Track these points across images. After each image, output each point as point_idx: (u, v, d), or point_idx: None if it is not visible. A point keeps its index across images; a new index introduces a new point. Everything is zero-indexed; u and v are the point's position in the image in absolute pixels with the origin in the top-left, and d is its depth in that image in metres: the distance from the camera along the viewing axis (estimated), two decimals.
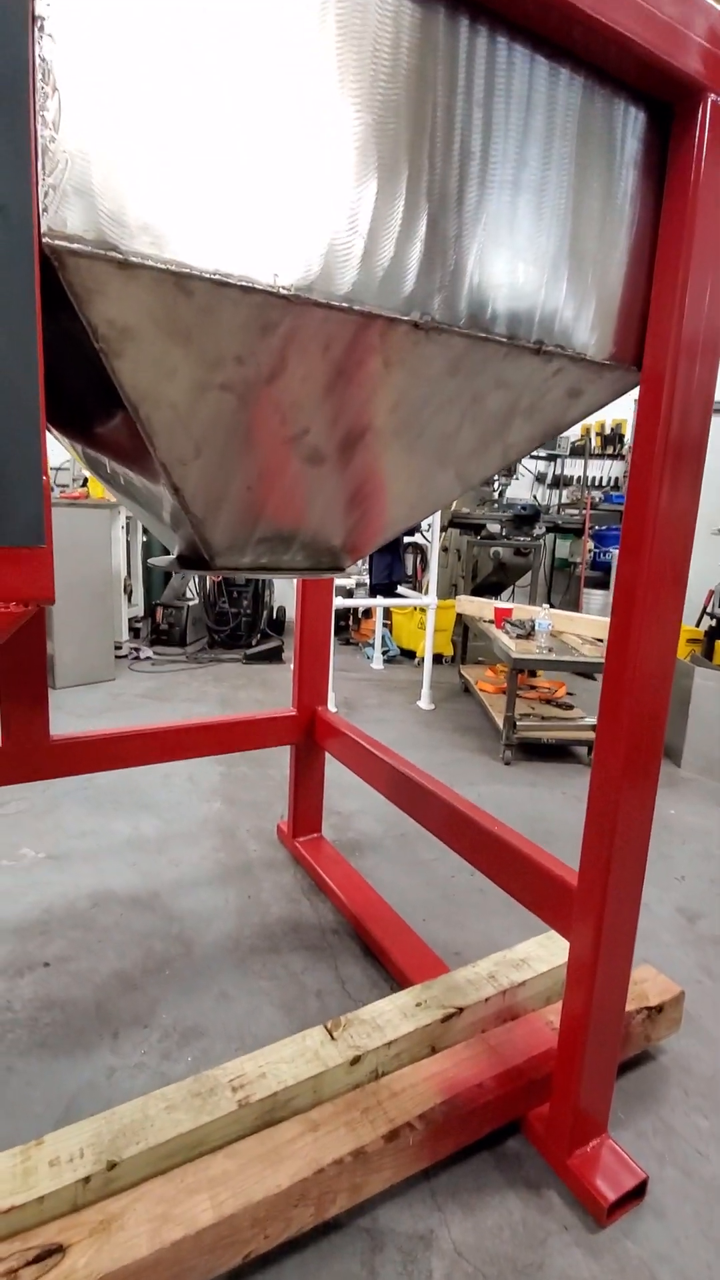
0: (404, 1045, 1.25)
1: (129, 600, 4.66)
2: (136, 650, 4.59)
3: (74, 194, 0.59)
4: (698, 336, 0.90)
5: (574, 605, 5.36)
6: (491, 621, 3.47)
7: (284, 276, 0.69)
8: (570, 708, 3.41)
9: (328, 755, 2.07)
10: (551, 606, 6.27)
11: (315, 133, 0.68)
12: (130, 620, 4.73)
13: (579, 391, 0.97)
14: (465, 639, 4.40)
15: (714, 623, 4.09)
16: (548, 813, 2.62)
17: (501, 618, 3.38)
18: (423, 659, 4.07)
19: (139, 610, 4.86)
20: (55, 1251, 0.89)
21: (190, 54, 0.62)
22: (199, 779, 2.71)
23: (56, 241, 0.58)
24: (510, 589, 5.39)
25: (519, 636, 3.16)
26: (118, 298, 0.64)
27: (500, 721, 3.15)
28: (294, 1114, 1.12)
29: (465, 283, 0.80)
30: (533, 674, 3.68)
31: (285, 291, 0.69)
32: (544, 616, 3.07)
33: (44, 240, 0.58)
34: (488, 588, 5.04)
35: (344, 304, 0.73)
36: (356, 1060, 1.20)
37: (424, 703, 3.95)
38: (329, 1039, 1.23)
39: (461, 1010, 1.32)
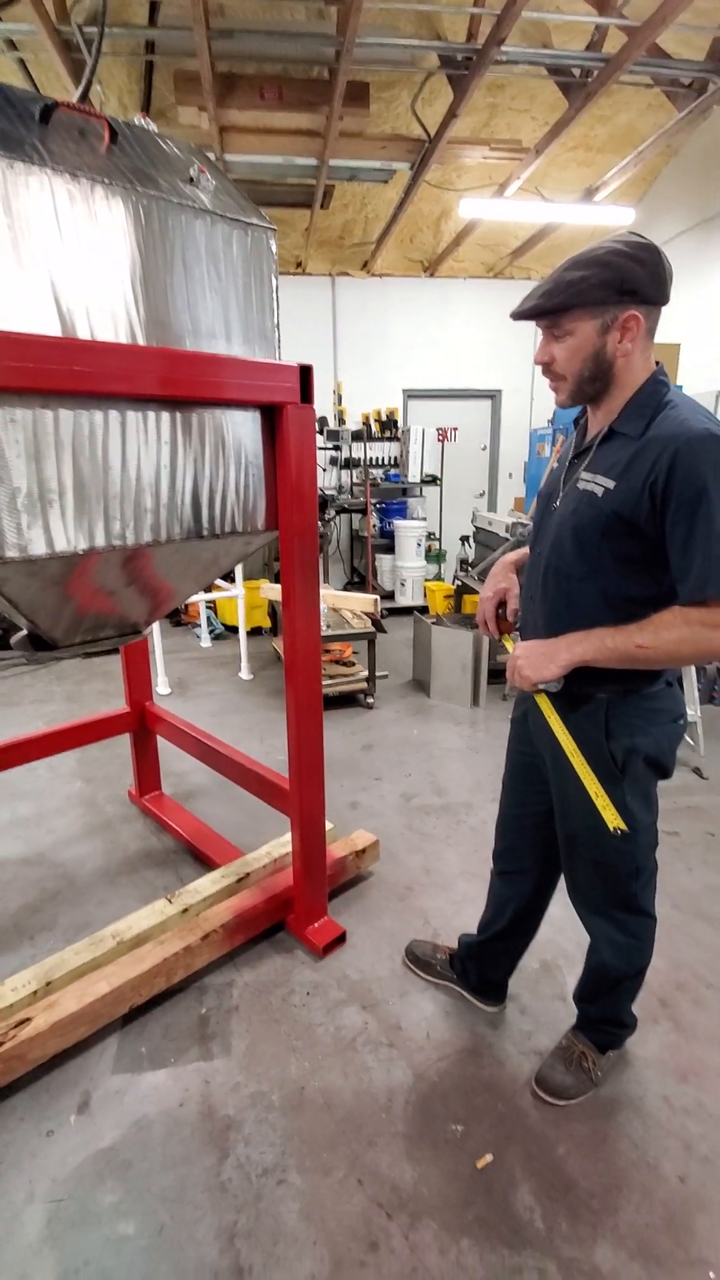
0: (214, 898, 2.18)
1: None
2: None
3: None
4: (294, 516, 1.80)
5: (366, 570, 6.45)
6: None
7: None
8: (352, 664, 4.47)
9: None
10: (350, 583, 7.35)
11: None
12: None
13: (252, 544, 1.86)
14: (277, 613, 5.31)
15: (458, 584, 5.34)
16: (329, 750, 3.64)
17: None
18: (246, 632, 4.92)
19: None
20: (24, 1021, 1.72)
21: None
22: (58, 766, 3.40)
23: None
24: None
25: None
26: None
27: None
28: (150, 940, 2.01)
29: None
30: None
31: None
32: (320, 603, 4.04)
33: None
34: None
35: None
36: (185, 910, 2.11)
37: (244, 674, 4.83)
38: (168, 904, 2.13)
39: (249, 874, 2.28)
